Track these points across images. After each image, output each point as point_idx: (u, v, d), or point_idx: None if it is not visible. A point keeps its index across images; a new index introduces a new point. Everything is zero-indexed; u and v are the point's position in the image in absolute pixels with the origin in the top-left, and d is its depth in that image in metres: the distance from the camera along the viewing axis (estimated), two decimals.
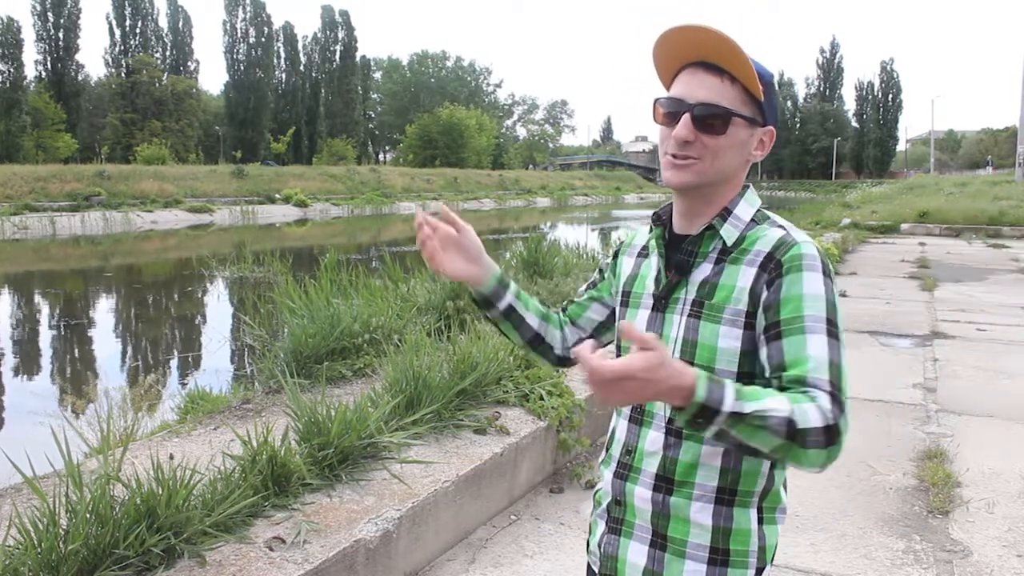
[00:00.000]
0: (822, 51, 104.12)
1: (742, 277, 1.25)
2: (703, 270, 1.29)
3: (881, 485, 3.85)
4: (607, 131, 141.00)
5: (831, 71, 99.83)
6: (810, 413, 1.09)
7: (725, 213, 1.30)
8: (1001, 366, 6.13)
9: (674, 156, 1.28)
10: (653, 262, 1.38)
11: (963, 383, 5.68)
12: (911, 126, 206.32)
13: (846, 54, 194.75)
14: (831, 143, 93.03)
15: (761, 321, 1.22)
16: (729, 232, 1.29)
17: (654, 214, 1.40)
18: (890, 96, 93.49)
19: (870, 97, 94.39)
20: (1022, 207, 20.73)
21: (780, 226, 1.29)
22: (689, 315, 1.28)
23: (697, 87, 1.25)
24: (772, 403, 1.08)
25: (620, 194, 73.13)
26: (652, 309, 1.34)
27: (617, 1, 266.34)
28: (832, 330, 1.19)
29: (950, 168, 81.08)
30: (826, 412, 1.10)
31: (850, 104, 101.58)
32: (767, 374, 1.21)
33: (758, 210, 1.33)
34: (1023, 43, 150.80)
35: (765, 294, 1.22)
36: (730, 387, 1.08)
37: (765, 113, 1.28)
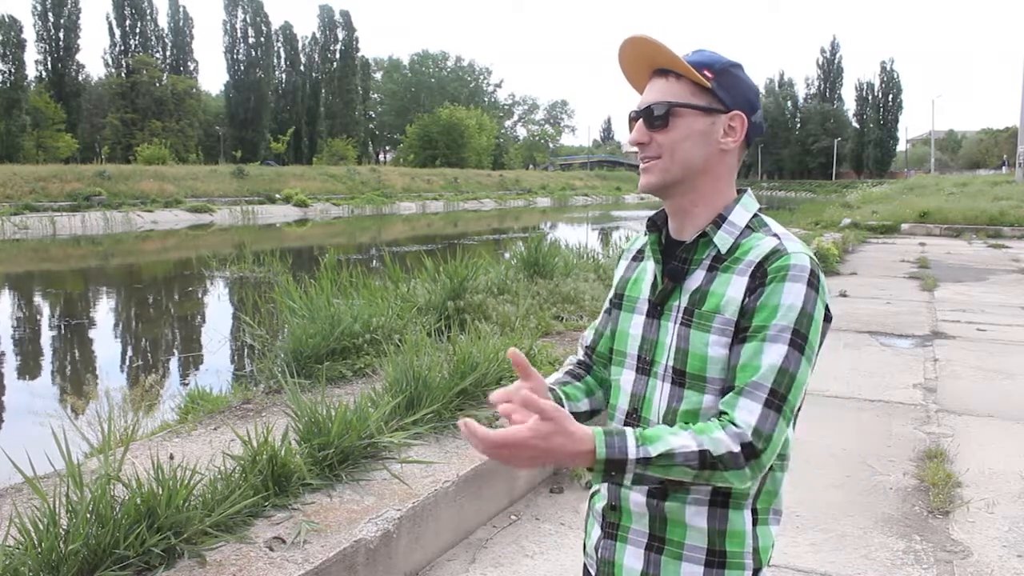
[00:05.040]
0: (822, 51, 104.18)
1: (732, 287, 1.25)
2: (696, 277, 1.29)
3: (881, 485, 3.85)
4: (607, 131, 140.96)
5: (831, 71, 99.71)
6: (721, 440, 1.15)
7: (720, 220, 1.30)
8: (1001, 366, 6.13)
9: (642, 161, 1.33)
10: (649, 267, 1.38)
11: (963, 383, 5.68)
12: (911, 126, 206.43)
13: (846, 54, 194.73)
14: (831, 143, 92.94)
15: (740, 323, 1.24)
16: (723, 239, 1.29)
17: (649, 219, 1.40)
18: (890, 96, 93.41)
19: (870, 97, 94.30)
20: (1022, 207, 20.75)
21: (775, 234, 1.28)
22: (681, 323, 1.29)
23: (648, 92, 1.32)
24: (677, 441, 1.14)
25: (620, 194, 73.09)
26: (647, 315, 1.35)
27: (618, 2, 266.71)
28: (796, 341, 1.20)
29: (951, 168, 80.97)
30: (740, 432, 1.15)
31: (850, 104, 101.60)
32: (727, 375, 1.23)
33: (755, 216, 1.32)
34: (1023, 43, 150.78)
35: (747, 299, 1.23)
36: (630, 435, 1.13)
37: (724, 100, 1.28)
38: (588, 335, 1.56)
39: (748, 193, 1.35)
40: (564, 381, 1.50)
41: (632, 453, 1.11)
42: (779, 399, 1.17)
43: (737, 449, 1.14)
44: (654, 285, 1.35)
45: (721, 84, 1.28)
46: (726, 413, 1.18)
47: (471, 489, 3.32)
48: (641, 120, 1.30)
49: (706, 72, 1.27)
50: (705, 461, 1.13)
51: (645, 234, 1.42)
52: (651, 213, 1.43)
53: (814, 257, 1.26)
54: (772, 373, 1.18)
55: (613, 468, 1.11)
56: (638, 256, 1.44)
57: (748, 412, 1.17)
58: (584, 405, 1.50)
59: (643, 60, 1.31)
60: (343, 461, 3.11)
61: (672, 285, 1.31)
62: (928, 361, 6.29)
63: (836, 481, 3.87)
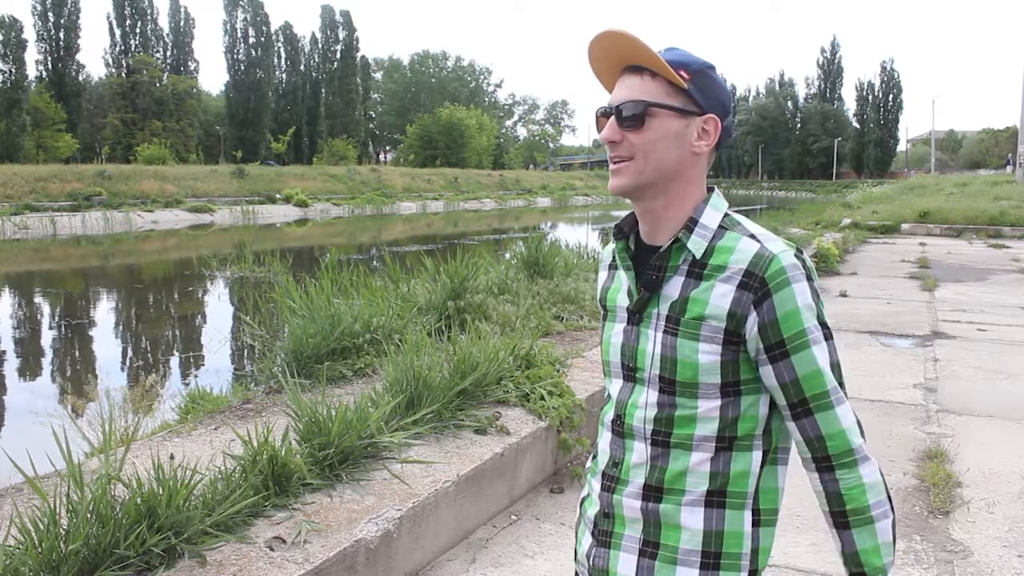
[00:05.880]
0: (822, 51, 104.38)
1: (717, 294, 1.23)
2: (674, 284, 1.27)
3: None
4: None
5: (831, 71, 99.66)
6: (862, 484, 1.26)
7: (691, 224, 1.28)
8: (1001, 366, 6.13)
9: (612, 162, 1.30)
10: (622, 275, 1.36)
11: (963, 383, 5.68)
12: (911, 126, 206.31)
13: (846, 54, 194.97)
14: (831, 143, 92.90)
15: (757, 341, 1.22)
16: (697, 243, 1.27)
17: (616, 226, 1.38)
18: (890, 96, 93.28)
19: (870, 97, 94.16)
20: (1022, 207, 20.74)
21: (752, 235, 1.26)
22: (665, 331, 1.27)
23: (621, 90, 1.28)
24: (871, 534, 1.34)
25: None
26: (627, 322, 1.34)
27: (617, 2, 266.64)
28: (826, 332, 1.25)
29: (951, 168, 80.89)
30: (851, 446, 1.25)
31: (850, 104, 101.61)
32: (779, 395, 1.25)
33: (725, 215, 1.30)
34: (1023, 43, 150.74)
35: (753, 314, 1.21)
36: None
37: (699, 102, 1.26)
38: None
39: (716, 192, 1.33)
40: None
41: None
42: (841, 390, 1.25)
43: (872, 466, 1.26)
44: (630, 292, 1.33)
45: (697, 85, 1.26)
46: (821, 438, 1.24)
47: (471, 489, 3.32)
48: (613, 118, 1.27)
49: (682, 72, 1.25)
50: (885, 505, 1.31)
51: (613, 241, 1.40)
52: None
53: (795, 247, 1.26)
54: (828, 374, 1.24)
55: None
56: (612, 264, 1.42)
57: (838, 420, 1.24)
58: None
59: (615, 55, 1.27)
60: (343, 461, 3.11)
61: (648, 295, 1.30)
62: (928, 361, 6.29)
63: None
